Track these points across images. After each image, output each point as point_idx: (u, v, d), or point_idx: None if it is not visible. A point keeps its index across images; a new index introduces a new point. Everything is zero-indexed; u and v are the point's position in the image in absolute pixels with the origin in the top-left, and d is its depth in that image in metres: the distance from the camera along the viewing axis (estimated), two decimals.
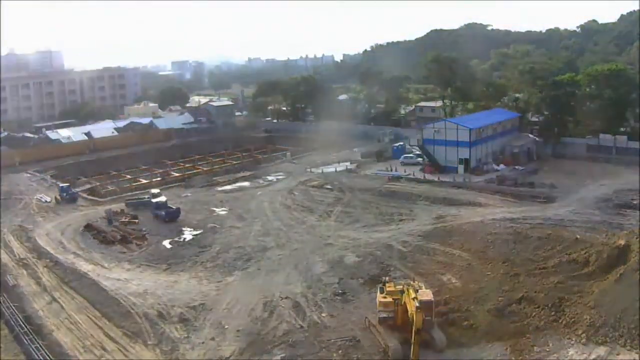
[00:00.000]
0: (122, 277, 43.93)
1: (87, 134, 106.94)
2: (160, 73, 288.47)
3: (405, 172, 73.47)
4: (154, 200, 61.92)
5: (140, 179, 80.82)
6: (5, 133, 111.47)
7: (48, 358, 32.09)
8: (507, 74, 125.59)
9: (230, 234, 53.92)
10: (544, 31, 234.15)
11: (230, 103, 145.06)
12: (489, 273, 40.61)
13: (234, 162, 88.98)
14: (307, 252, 47.65)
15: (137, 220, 58.65)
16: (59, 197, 68.19)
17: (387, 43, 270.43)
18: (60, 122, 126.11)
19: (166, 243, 52.18)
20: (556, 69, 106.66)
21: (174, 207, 60.07)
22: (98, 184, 77.90)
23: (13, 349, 33.99)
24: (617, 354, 29.19)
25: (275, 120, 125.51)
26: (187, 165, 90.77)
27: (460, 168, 72.12)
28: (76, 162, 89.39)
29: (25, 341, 33.94)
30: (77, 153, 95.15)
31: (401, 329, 31.82)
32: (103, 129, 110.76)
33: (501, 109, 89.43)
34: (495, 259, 43.04)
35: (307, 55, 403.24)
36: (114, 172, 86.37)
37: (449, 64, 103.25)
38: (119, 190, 73.25)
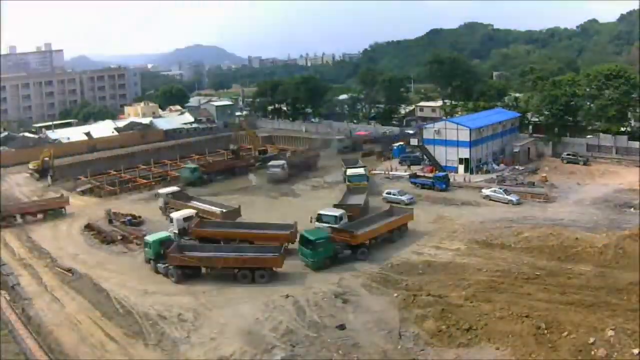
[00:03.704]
0: (122, 277, 43.89)
1: (87, 134, 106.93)
2: (161, 73, 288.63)
3: (405, 171, 73.54)
4: None
5: (140, 179, 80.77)
6: (5, 133, 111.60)
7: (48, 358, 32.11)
8: (507, 73, 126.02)
9: None
10: (544, 31, 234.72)
11: (230, 103, 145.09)
12: (488, 272, 40.59)
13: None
14: None
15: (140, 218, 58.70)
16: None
17: (387, 42, 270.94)
18: (60, 122, 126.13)
19: None
20: (556, 68, 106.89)
21: None
22: (98, 183, 77.89)
23: (13, 349, 34.01)
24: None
25: (275, 120, 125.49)
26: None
27: (460, 168, 72.20)
28: (76, 162, 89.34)
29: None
30: (77, 153, 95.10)
31: None
32: (103, 129, 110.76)
33: (501, 108, 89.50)
34: (496, 258, 43.07)
35: (307, 55, 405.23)
36: (114, 172, 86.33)
37: (449, 64, 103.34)
38: (119, 190, 73.26)
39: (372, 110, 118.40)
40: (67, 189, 74.40)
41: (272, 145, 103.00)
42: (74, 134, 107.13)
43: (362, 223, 48.90)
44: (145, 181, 78.91)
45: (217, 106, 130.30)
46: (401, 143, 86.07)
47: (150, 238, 45.51)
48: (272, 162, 78.46)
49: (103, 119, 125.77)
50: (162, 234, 46.74)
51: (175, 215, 52.40)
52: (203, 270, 43.51)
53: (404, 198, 59.81)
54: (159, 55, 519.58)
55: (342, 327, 34.28)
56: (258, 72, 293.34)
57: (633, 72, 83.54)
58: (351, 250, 44.92)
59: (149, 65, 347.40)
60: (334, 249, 44.18)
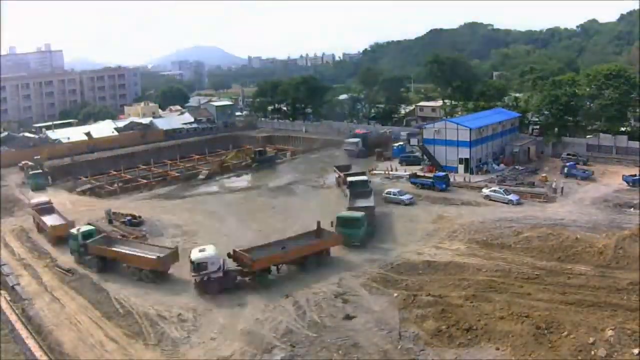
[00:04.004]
0: (122, 277, 43.84)
1: (87, 134, 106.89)
2: (161, 73, 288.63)
3: (405, 171, 73.53)
4: None
5: (140, 179, 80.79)
6: (5, 133, 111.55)
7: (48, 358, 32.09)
8: (507, 73, 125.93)
9: (232, 232, 53.86)
10: (544, 31, 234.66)
11: (230, 103, 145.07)
12: (488, 272, 40.58)
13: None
14: None
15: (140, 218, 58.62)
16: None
17: (387, 42, 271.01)
18: (60, 122, 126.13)
19: (167, 242, 52.04)
20: (556, 68, 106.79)
21: None
22: (98, 183, 77.91)
23: (13, 349, 34.01)
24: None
25: (275, 120, 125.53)
26: (187, 165, 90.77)
27: (460, 168, 72.17)
28: (76, 162, 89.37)
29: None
30: (77, 153, 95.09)
31: None
32: (103, 129, 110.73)
33: (501, 108, 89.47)
34: (496, 258, 43.07)
35: (307, 55, 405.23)
36: (114, 172, 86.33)
37: (449, 64, 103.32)
38: (119, 190, 73.29)
39: (372, 110, 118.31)
40: (67, 189, 74.51)
41: (271, 146, 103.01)
42: (74, 134, 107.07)
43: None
44: (145, 181, 78.91)
45: (217, 106, 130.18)
46: (401, 143, 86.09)
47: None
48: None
49: (103, 119, 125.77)
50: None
51: None
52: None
53: (404, 198, 59.84)
54: (159, 55, 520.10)
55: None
56: (258, 72, 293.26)
57: (633, 72, 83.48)
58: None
59: (149, 66, 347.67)
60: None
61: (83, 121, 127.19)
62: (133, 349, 33.31)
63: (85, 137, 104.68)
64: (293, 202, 64.44)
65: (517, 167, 73.50)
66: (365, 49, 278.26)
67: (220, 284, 39.82)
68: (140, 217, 58.92)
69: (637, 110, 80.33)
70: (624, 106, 78.80)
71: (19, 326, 36.48)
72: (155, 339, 34.13)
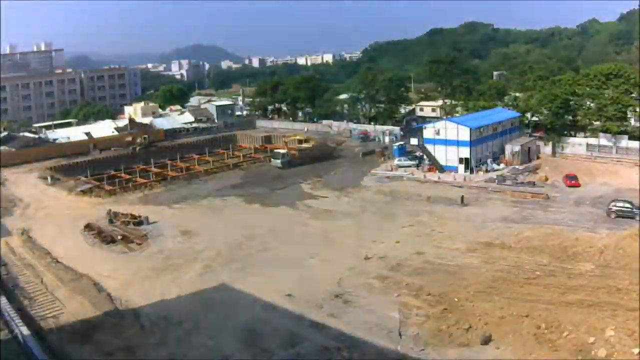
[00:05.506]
0: (123, 277, 43.93)
1: (87, 133, 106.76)
2: (161, 72, 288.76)
3: (405, 171, 73.59)
4: None
5: (140, 179, 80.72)
6: (5, 133, 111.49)
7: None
8: (507, 73, 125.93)
9: (234, 232, 53.94)
10: (544, 31, 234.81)
11: (231, 103, 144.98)
12: (488, 272, 40.61)
13: (234, 162, 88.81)
14: (308, 253, 47.66)
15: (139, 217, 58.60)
16: None
17: (387, 42, 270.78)
18: (60, 122, 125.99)
19: (168, 242, 52.12)
20: (556, 68, 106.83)
21: None
22: (98, 183, 77.85)
23: (13, 349, 33.99)
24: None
25: (275, 120, 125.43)
26: (187, 165, 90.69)
27: (461, 167, 72.19)
28: (76, 162, 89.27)
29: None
30: (76, 153, 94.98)
31: None
32: (103, 129, 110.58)
33: (501, 108, 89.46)
34: (496, 258, 43.09)
35: (307, 55, 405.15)
36: (114, 172, 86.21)
37: (449, 64, 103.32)
38: (119, 190, 73.27)
39: (372, 110, 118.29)
40: (68, 189, 74.46)
41: (270, 145, 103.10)
42: (74, 134, 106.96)
43: None
44: (145, 181, 78.87)
45: (217, 106, 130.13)
46: (401, 143, 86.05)
47: None
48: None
49: (103, 118, 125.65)
50: None
51: None
52: None
53: None
54: (159, 55, 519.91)
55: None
56: (258, 71, 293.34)
57: (633, 71, 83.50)
58: None
59: (149, 65, 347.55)
60: None
61: (83, 121, 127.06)
62: (134, 349, 33.26)
63: (85, 137, 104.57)
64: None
65: (517, 166, 73.53)
66: (365, 49, 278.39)
67: None
68: (140, 216, 58.94)
69: (637, 110, 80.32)
70: (624, 106, 78.82)
71: (19, 326, 36.45)
72: (155, 339, 34.10)
